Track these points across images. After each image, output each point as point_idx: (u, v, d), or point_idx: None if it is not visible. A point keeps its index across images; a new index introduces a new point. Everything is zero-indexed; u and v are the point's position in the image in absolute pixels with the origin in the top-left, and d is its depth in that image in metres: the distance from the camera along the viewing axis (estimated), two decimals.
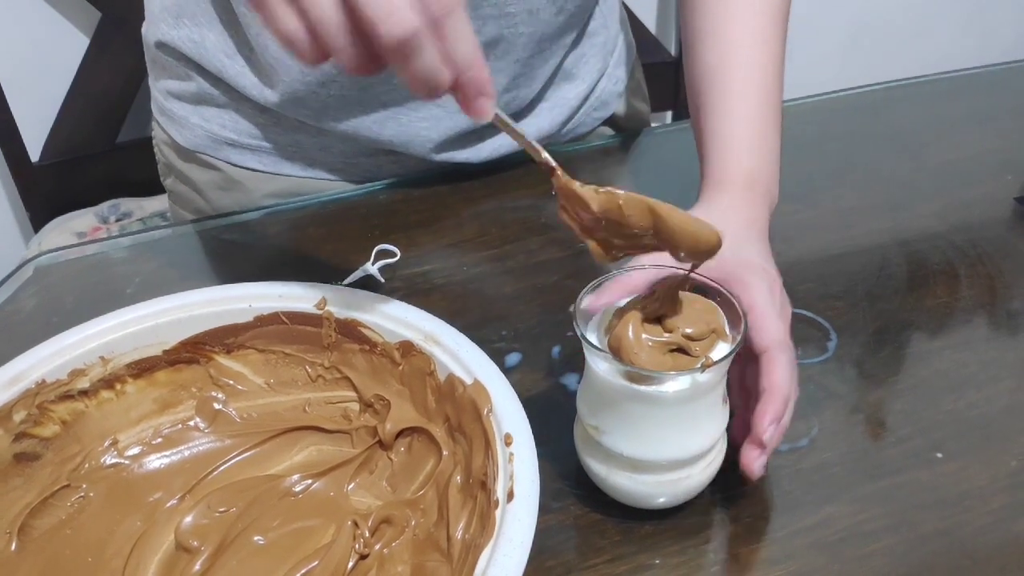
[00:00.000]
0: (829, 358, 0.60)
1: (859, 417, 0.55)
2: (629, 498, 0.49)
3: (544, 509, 0.50)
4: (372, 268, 0.66)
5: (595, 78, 0.82)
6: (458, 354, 0.47)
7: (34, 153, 1.31)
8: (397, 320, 0.49)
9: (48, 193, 1.34)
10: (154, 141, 0.84)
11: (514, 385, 0.58)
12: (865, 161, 0.83)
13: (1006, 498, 0.50)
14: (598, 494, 0.50)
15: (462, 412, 0.46)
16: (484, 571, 0.37)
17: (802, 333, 0.62)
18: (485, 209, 0.77)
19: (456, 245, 0.73)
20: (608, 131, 0.87)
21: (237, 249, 0.75)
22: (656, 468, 0.47)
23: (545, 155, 0.46)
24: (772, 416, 0.46)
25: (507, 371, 0.59)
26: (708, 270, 0.46)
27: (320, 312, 0.51)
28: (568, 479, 0.52)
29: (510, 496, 0.39)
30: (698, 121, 0.64)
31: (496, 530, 0.38)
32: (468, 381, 0.46)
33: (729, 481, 0.51)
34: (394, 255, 0.68)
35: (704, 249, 0.43)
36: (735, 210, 0.57)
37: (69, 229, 1.28)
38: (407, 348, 0.49)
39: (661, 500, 0.49)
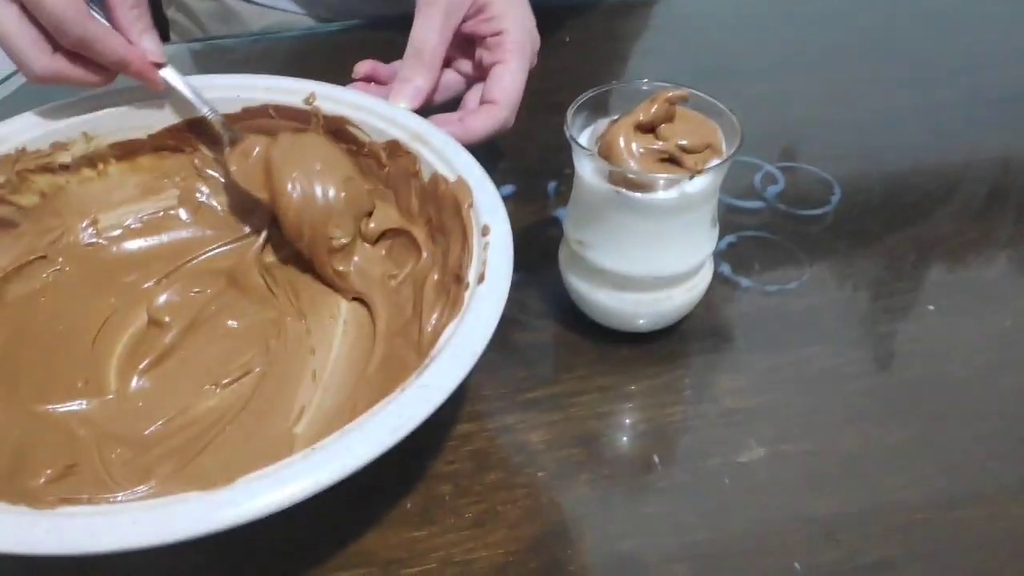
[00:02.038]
0: (829, 211, 0.58)
1: (853, 269, 0.54)
2: (609, 318, 0.48)
3: (524, 328, 0.50)
4: None
5: None
6: (444, 152, 0.45)
7: None
8: (386, 118, 0.48)
9: None
10: None
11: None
12: (897, 36, 0.80)
13: (995, 355, 0.49)
14: (579, 317, 0.50)
15: (443, 209, 0.45)
16: (447, 342, 0.36)
17: (805, 186, 0.60)
18: None
19: None
20: None
21: (236, 69, 0.73)
22: (638, 285, 0.46)
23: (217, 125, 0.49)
24: (480, 129, 0.51)
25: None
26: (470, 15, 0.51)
27: (308, 108, 0.49)
28: (549, 302, 0.51)
29: (481, 279, 0.38)
30: None
31: (464, 309, 0.37)
32: (452, 179, 0.45)
33: (713, 314, 0.51)
34: None
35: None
36: None
37: None
38: (394, 148, 0.47)
39: (641, 321, 0.48)
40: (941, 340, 0.50)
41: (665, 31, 0.82)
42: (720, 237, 0.55)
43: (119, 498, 0.38)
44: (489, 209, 0.42)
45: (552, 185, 0.60)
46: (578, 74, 0.72)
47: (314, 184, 0.46)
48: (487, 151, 0.63)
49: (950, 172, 0.62)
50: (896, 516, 0.41)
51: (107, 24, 0.45)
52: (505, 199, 0.58)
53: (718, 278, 0.52)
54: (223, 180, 0.52)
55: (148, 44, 0.46)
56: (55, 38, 0.43)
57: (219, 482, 0.32)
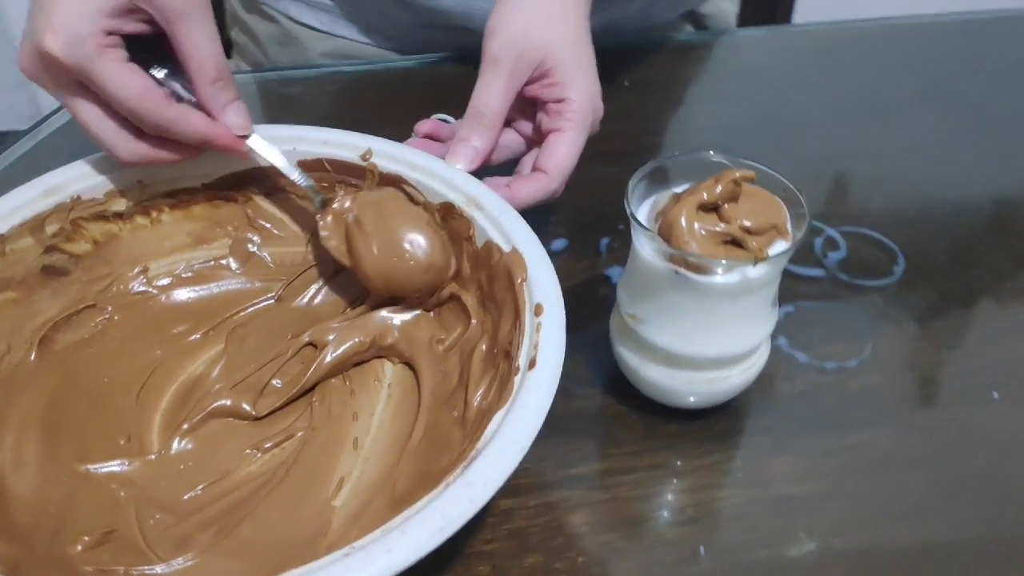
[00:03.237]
0: (893, 283, 0.56)
1: (916, 347, 0.52)
2: (659, 394, 0.47)
3: (570, 395, 0.49)
4: None
5: None
6: (500, 220, 0.44)
7: None
8: (442, 180, 0.47)
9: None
10: None
11: (556, 271, 0.57)
12: (964, 90, 0.77)
13: None
14: (628, 388, 0.48)
15: (495, 280, 0.44)
16: (495, 433, 0.35)
17: (868, 254, 0.58)
18: None
19: None
20: (687, 27, 0.82)
21: (293, 103, 0.73)
22: (691, 365, 0.45)
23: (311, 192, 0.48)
24: (522, 199, 0.49)
25: (550, 255, 0.57)
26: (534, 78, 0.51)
27: (364, 164, 0.49)
28: (598, 370, 0.50)
29: (532, 364, 0.37)
30: None
31: (513, 395, 0.36)
32: (506, 249, 0.44)
33: (767, 391, 0.49)
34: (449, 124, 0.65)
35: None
36: None
37: None
38: (448, 210, 0.47)
39: (692, 399, 0.46)
40: (1004, 430, 0.48)
41: (725, 76, 0.80)
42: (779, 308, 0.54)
43: (157, 571, 0.37)
44: (543, 286, 0.41)
45: (605, 242, 0.59)
46: (635, 119, 0.71)
47: (399, 244, 0.46)
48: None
49: (1020, 246, 0.60)
50: None
51: (187, 104, 0.45)
52: (557, 255, 0.58)
53: (775, 352, 0.51)
54: (275, 231, 0.51)
55: (232, 118, 0.45)
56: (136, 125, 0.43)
57: (255, 558, 0.32)
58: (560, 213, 0.60)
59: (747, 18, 0.93)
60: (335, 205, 0.47)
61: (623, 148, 0.68)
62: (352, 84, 0.75)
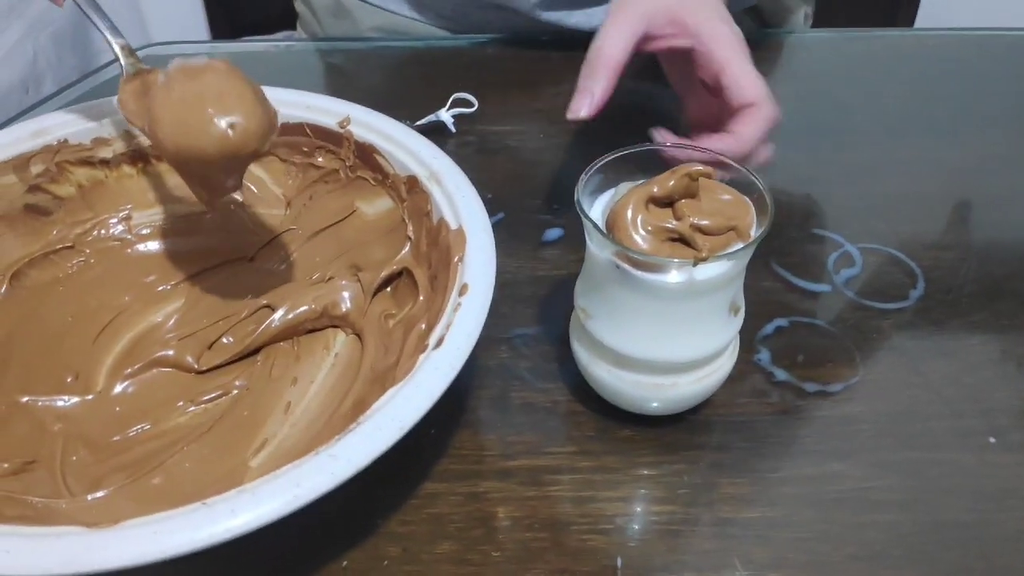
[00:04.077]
0: (906, 308, 0.52)
1: (913, 379, 0.48)
2: (608, 393, 0.44)
3: (527, 387, 0.47)
4: (445, 114, 0.63)
5: None
6: (453, 197, 0.43)
7: None
8: (410, 152, 0.46)
9: (231, 14, 1.38)
10: None
11: (545, 260, 0.55)
12: None
13: None
14: (587, 388, 0.46)
15: (441, 257, 0.42)
16: (379, 408, 0.34)
17: (885, 274, 0.54)
18: None
19: (545, 111, 0.68)
20: (749, 23, 0.78)
21: (335, 72, 0.74)
22: (637, 366, 0.42)
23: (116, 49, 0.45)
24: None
25: (542, 244, 0.56)
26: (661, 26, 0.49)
27: (342, 131, 0.48)
28: (562, 364, 0.48)
29: (439, 343, 0.36)
30: None
31: (411, 373, 0.35)
32: (453, 226, 0.42)
33: (734, 406, 0.46)
34: (471, 105, 0.64)
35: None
36: None
37: None
38: (412, 184, 0.46)
39: (644, 404, 0.44)
40: (995, 480, 0.43)
41: (778, 78, 0.75)
42: (769, 320, 0.50)
43: (62, 505, 0.38)
44: (476, 267, 0.40)
45: None
46: (680, 112, 0.68)
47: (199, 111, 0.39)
48: (546, 185, 0.60)
49: None
50: None
51: None
52: (551, 243, 0.57)
53: (752, 367, 0.48)
54: (257, 192, 0.51)
55: None
56: None
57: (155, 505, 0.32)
58: (564, 203, 0.59)
59: (823, 17, 0.88)
60: (149, 76, 0.45)
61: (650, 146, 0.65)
62: (397, 59, 0.75)
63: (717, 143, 0.48)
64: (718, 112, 0.51)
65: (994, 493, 0.42)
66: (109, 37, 0.46)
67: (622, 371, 0.43)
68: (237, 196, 0.50)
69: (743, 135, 0.48)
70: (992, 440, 0.44)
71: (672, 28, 0.51)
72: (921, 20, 1.29)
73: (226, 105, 0.39)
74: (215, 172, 0.41)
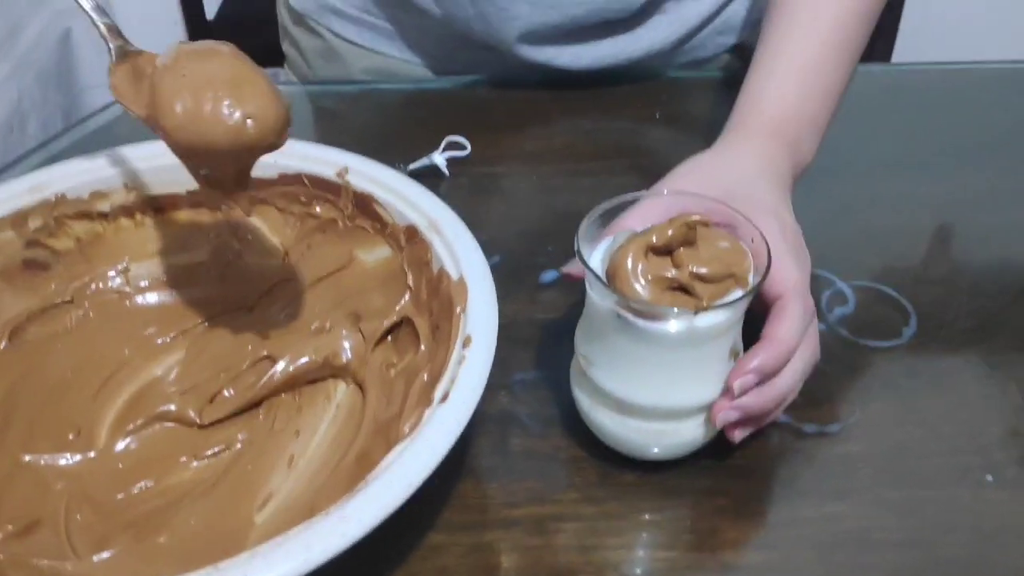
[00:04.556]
0: (900, 345, 0.52)
1: (910, 417, 0.48)
2: (610, 439, 0.45)
3: (528, 433, 0.48)
4: (438, 157, 0.64)
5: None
6: (453, 246, 0.44)
7: (210, 11, 1.36)
8: (408, 202, 0.47)
9: None
10: (277, 3, 0.84)
11: (543, 302, 0.55)
12: None
13: None
14: (588, 433, 0.46)
15: (443, 307, 0.43)
16: (388, 466, 0.34)
17: (878, 312, 0.54)
18: (582, 123, 0.72)
19: (538, 154, 0.69)
20: (733, 61, 0.79)
21: (326, 117, 0.74)
22: (640, 413, 0.42)
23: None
24: (756, 365, 0.41)
25: (540, 287, 0.56)
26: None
27: (340, 181, 0.49)
28: (562, 409, 0.48)
29: (444, 398, 0.36)
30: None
31: (418, 429, 0.35)
32: (455, 277, 0.43)
33: (734, 449, 0.46)
34: (464, 148, 0.65)
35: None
36: (752, 153, 0.51)
37: None
38: (411, 233, 0.46)
39: (646, 449, 0.44)
40: (993, 518, 0.43)
41: None
42: None
43: (67, 567, 0.38)
44: (479, 319, 0.40)
45: None
46: (661, 156, 0.69)
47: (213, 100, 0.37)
48: (542, 228, 0.61)
49: None
50: None
51: None
52: (548, 286, 0.57)
53: None
54: (255, 242, 0.52)
55: None
56: None
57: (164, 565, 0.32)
58: (560, 246, 0.59)
59: None
60: (140, 59, 0.42)
61: (642, 183, 0.66)
62: (388, 102, 0.76)
63: (755, 360, 0.41)
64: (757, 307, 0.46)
65: (991, 531, 0.43)
66: (94, 16, 0.43)
67: (624, 417, 0.43)
68: (235, 246, 0.51)
69: (777, 337, 0.42)
70: (989, 478, 0.45)
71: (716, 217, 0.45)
72: (897, 55, 1.32)
73: (243, 95, 0.37)
74: (226, 164, 0.39)
